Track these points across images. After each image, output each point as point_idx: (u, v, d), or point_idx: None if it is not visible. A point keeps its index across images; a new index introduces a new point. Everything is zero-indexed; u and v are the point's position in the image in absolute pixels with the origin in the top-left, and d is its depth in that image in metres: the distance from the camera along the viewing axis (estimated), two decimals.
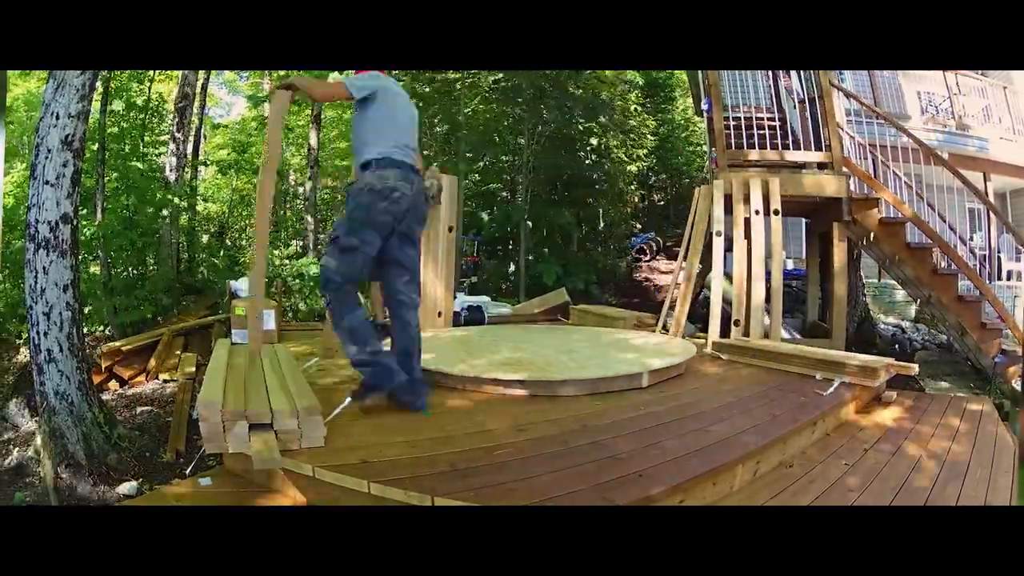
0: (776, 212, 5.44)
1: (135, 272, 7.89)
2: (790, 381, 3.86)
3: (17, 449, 3.38)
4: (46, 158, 3.27)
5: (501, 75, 10.60)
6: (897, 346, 7.62)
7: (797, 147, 6.15)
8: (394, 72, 10.41)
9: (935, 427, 3.38)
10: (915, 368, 4.12)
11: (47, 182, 3.27)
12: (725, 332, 5.28)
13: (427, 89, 10.73)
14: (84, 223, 6.60)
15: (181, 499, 2.35)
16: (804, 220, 8.14)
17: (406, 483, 2.06)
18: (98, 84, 8.07)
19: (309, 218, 10.45)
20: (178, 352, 5.69)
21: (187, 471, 3.21)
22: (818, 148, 5.94)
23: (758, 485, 2.52)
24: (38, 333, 3.26)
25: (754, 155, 5.96)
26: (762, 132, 6.02)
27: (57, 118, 3.27)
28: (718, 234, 5.50)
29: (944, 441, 3.13)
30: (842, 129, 6.18)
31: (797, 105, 6.86)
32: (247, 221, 12.95)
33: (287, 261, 9.06)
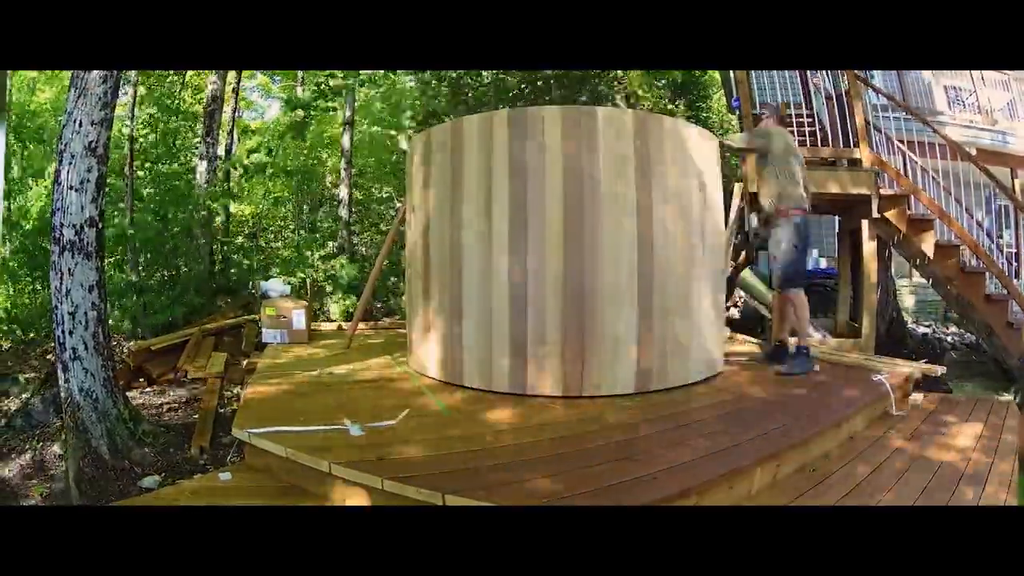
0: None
1: (166, 274, 8.01)
2: (818, 382, 3.78)
3: (41, 444, 3.46)
4: (70, 164, 3.34)
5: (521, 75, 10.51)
6: (928, 346, 7.45)
7: (826, 143, 6.04)
8: (423, 74, 10.46)
9: (959, 429, 3.31)
10: (939, 370, 4.03)
11: (71, 187, 3.34)
12: (754, 332, 5.21)
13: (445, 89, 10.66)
14: (113, 224, 6.74)
15: (199, 493, 2.40)
16: (836, 218, 7.98)
17: (420, 480, 2.07)
18: (128, 89, 8.34)
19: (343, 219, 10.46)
20: (208, 352, 5.72)
21: (210, 467, 3.26)
22: (846, 144, 5.84)
23: (778, 489, 2.46)
24: (63, 332, 3.33)
25: None
26: (791, 129, 5.92)
27: (80, 125, 3.34)
28: (753, 233, 5.43)
29: (968, 443, 3.06)
30: (869, 124, 6.05)
31: (825, 102, 6.75)
32: (282, 222, 13.18)
33: (320, 263, 9.13)
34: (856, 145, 5.70)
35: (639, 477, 2.17)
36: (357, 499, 2.20)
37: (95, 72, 3.32)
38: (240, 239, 11.53)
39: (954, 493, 2.40)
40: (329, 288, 8.63)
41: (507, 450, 2.47)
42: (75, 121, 3.33)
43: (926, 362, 4.24)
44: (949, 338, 7.86)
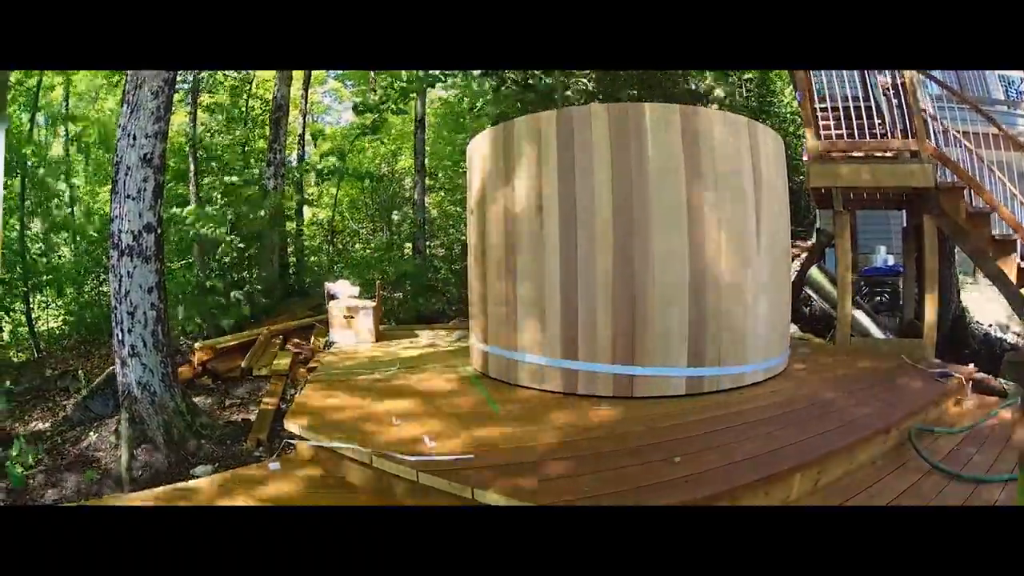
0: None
1: (235, 276, 8.26)
2: (872, 386, 3.68)
3: (96, 435, 3.66)
4: (126, 175, 3.56)
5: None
6: (989, 347, 7.09)
7: (886, 136, 5.83)
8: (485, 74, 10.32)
9: (1008, 435, 3.16)
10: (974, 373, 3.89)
11: (128, 196, 3.56)
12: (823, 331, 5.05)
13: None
14: (182, 227, 7.01)
15: (246, 481, 2.52)
16: (904, 213, 7.67)
17: (454, 475, 2.13)
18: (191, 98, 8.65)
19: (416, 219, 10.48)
20: (275, 351, 5.81)
21: (263, 459, 3.37)
22: (905, 136, 5.62)
23: (818, 497, 2.38)
24: (122, 330, 3.55)
25: (845, 146, 5.70)
26: (850, 122, 5.76)
27: (134, 139, 3.56)
28: (818, 230, 5.30)
29: (1015, 451, 2.91)
30: (926, 113, 5.82)
31: (883, 93, 6.52)
32: (360, 224, 13.52)
33: (393, 264, 9.19)
34: (915, 137, 5.48)
35: (671, 479, 2.16)
36: (395, 490, 2.29)
37: (146, 88, 3.53)
38: (318, 240, 11.74)
39: (996, 502, 2.31)
40: (400, 291, 8.65)
41: (549, 448, 2.49)
42: (129, 135, 3.54)
43: (973, 365, 4.10)
44: (1009, 337, 7.46)
